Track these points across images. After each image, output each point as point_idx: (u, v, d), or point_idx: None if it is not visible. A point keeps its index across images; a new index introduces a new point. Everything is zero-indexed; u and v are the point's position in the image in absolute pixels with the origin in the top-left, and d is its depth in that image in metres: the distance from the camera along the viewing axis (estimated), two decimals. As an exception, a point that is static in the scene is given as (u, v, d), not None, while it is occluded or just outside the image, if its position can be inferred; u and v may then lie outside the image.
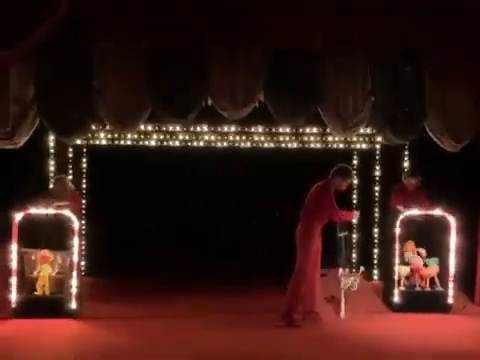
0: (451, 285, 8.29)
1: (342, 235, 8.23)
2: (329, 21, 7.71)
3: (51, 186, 9.21)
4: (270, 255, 10.41)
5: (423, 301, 8.35)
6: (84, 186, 10.57)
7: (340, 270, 8.11)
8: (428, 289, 8.49)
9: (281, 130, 9.56)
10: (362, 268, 8.26)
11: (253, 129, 9.59)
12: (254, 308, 8.44)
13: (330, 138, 9.98)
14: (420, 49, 7.86)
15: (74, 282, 7.92)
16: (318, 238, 8.01)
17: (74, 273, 7.94)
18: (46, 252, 8.06)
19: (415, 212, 8.53)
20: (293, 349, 6.81)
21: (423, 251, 8.57)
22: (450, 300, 8.33)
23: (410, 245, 8.61)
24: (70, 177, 9.82)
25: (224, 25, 7.65)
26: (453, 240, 8.32)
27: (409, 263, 8.55)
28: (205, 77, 7.84)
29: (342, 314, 8.03)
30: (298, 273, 7.85)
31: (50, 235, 8.07)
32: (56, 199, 8.41)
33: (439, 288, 8.46)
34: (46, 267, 8.03)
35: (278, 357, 6.56)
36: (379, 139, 9.88)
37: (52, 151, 9.60)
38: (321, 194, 7.97)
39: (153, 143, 10.08)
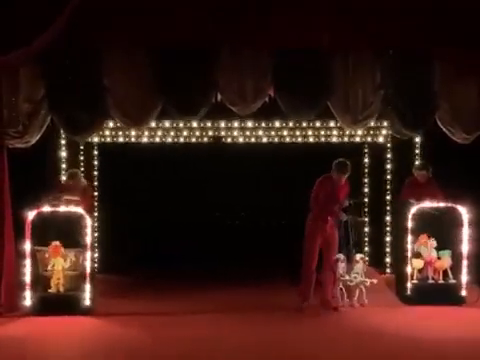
0: (464, 277, 8.28)
1: (343, 220, 8.32)
2: (335, 18, 7.69)
3: (63, 180, 9.17)
4: (283, 250, 10.42)
5: (436, 294, 8.32)
6: (96, 183, 10.64)
7: (340, 256, 8.18)
8: (441, 282, 8.47)
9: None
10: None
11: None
12: (268, 303, 8.45)
13: (341, 132, 9.99)
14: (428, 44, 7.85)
15: (88, 279, 7.96)
16: (322, 229, 8.18)
17: (88, 270, 7.98)
18: (57, 244, 7.97)
19: (427, 204, 8.50)
20: (304, 344, 6.79)
21: (433, 243, 8.54)
22: (463, 292, 8.31)
23: (423, 238, 8.57)
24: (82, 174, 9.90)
25: (231, 22, 7.65)
26: (465, 232, 8.30)
27: (421, 256, 8.52)
28: (215, 73, 7.86)
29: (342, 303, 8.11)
30: (303, 264, 8.21)
31: (63, 233, 8.09)
32: (68, 194, 8.40)
33: (452, 280, 8.44)
34: (58, 260, 7.96)
35: (290, 352, 6.55)
36: (390, 132, 9.87)
37: (64, 149, 9.64)
38: (313, 188, 8.28)
39: (169, 140, 10.15)
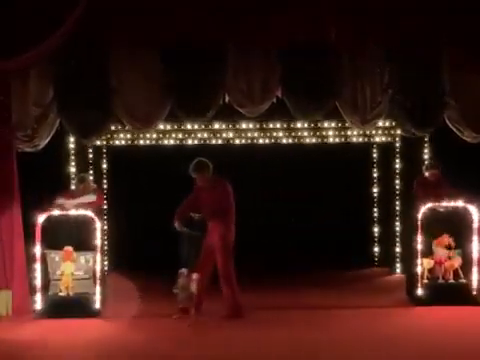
0: (475, 277, 8.24)
1: (184, 230, 8.01)
2: (343, 16, 7.69)
3: (73, 185, 9.20)
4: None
5: (447, 294, 8.28)
6: (105, 186, 10.67)
7: (183, 271, 7.82)
8: (452, 281, 8.42)
9: (299, 125, 9.57)
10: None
11: (271, 125, 9.62)
12: (282, 306, 8.41)
13: (349, 132, 9.97)
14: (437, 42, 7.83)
15: (98, 282, 7.97)
16: (208, 235, 8.00)
17: (98, 273, 7.99)
18: (69, 248, 7.98)
19: (437, 204, 8.46)
20: (306, 346, 6.74)
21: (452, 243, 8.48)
22: (474, 292, 8.27)
23: (445, 238, 8.45)
24: (91, 177, 9.91)
25: (239, 22, 7.65)
26: (476, 231, 8.26)
27: (432, 255, 8.48)
28: (222, 75, 7.86)
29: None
30: None
31: (73, 236, 8.10)
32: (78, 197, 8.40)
33: (463, 280, 8.39)
34: (68, 265, 7.95)
35: (297, 352, 6.50)
36: (398, 131, 9.83)
37: (73, 152, 9.67)
38: None
39: (172, 142, 10.15)
